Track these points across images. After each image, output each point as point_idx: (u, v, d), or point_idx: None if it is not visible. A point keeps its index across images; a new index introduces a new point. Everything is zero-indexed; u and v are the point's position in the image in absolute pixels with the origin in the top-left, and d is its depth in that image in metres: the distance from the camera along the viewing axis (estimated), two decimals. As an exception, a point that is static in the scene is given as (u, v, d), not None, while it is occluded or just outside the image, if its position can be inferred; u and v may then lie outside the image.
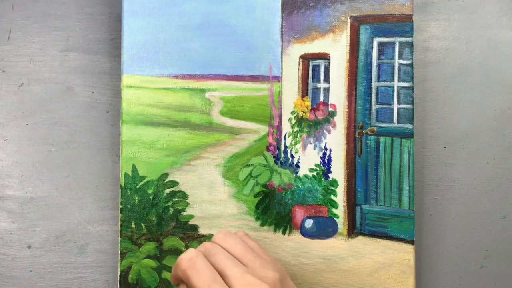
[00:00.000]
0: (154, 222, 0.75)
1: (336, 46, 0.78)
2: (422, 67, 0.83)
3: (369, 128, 0.78)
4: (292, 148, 0.78)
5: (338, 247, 0.77)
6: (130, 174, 0.75)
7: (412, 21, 0.77)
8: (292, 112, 0.78)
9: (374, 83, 0.78)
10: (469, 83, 0.84)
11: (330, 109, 0.78)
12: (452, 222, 0.83)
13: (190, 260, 0.58)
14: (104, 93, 0.81)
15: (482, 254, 0.83)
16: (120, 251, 0.75)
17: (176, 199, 0.76)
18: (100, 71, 0.81)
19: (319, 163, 0.78)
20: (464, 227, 0.83)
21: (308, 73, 0.78)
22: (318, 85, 0.78)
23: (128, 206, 0.75)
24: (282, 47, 0.78)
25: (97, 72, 0.81)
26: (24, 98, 0.80)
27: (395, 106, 0.78)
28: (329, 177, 0.78)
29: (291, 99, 0.78)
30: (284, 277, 0.60)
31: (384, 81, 0.78)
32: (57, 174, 0.80)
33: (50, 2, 0.81)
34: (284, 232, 0.77)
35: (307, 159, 0.78)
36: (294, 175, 0.77)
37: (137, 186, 0.75)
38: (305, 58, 0.78)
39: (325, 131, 0.78)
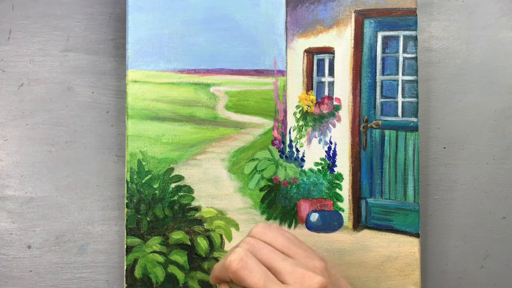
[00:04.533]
0: (160, 216, 0.79)
1: (340, 40, 0.81)
2: (422, 67, 0.86)
3: (374, 121, 0.81)
4: (297, 142, 0.81)
5: (344, 240, 0.80)
6: (136, 169, 0.78)
7: (416, 15, 0.81)
8: (297, 106, 0.81)
9: (379, 77, 0.81)
10: (469, 83, 0.87)
11: (335, 103, 0.81)
12: (452, 222, 0.86)
13: (241, 261, 0.58)
14: (104, 93, 0.84)
15: (482, 254, 0.86)
16: (126, 246, 0.78)
17: (182, 193, 0.79)
18: (100, 71, 0.84)
19: (324, 157, 0.81)
20: (464, 227, 0.86)
21: (312, 67, 0.81)
22: (323, 79, 0.81)
23: (134, 200, 0.78)
24: (286, 41, 0.81)
25: (97, 72, 0.84)
26: (24, 98, 0.83)
27: (400, 99, 0.81)
28: (334, 171, 0.81)
29: (296, 93, 0.81)
30: (327, 264, 0.62)
31: (388, 74, 0.81)
32: (57, 174, 0.83)
33: (50, 2, 0.84)
34: (289, 226, 0.80)
35: (312, 153, 0.81)
36: (299, 169, 0.81)
37: (143, 181, 0.78)
38: (310, 52, 0.81)
39: (330, 125, 0.81)
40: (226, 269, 0.60)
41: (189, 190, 0.79)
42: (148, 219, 0.79)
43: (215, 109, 0.80)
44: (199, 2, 0.80)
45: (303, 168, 0.81)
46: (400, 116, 0.81)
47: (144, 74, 0.79)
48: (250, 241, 0.62)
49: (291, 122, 0.81)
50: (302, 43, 0.81)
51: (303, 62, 0.82)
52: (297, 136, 0.81)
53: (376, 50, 0.82)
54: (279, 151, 0.81)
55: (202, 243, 0.79)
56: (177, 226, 0.79)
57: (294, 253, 0.61)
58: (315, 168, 0.81)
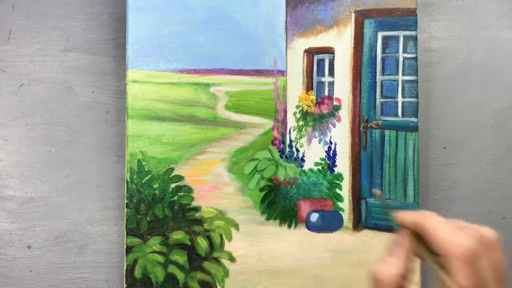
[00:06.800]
0: (160, 216, 0.78)
1: (340, 40, 0.81)
2: (422, 67, 0.86)
3: (374, 121, 0.81)
4: (297, 142, 0.81)
5: (344, 240, 0.80)
6: (136, 169, 0.78)
7: (416, 15, 0.81)
8: (297, 106, 0.81)
9: (379, 77, 0.81)
10: (469, 83, 0.87)
11: (335, 103, 0.81)
12: (452, 222, 0.87)
13: (469, 254, 0.53)
14: (104, 93, 0.84)
15: (482, 254, 0.87)
16: (126, 246, 0.78)
17: (182, 193, 0.79)
18: (100, 71, 0.84)
19: (324, 157, 0.81)
20: (465, 227, 0.87)
21: (312, 67, 0.81)
22: (323, 79, 0.81)
23: (134, 200, 0.78)
24: (286, 41, 0.81)
25: (97, 72, 0.84)
26: (24, 98, 0.83)
27: (400, 99, 0.81)
28: (334, 171, 0.81)
29: (296, 93, 0.81)
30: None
31: (388, 74, 0.81)
32: (57, 174, 0.83)
33: (50, 2, 0.84)
34: (289, 226, 0.80)
35: (312, 153, 0.81)
36: (299, 169, 0.81)
37: (143, 181, 0.78)
38: (310, 52, 0.81)
39: (330, 125, 0.81)
40: (448, 244, 0.54)
41: (189, 190, 0.79)
42: (148, 219, 0.79)
43: (215, 109, 0.80)
44: (199, 2, 0.80)
45: (303, 168, 0.81)
46: (400, 116, 0.81)
47: (144, 74, 0.79)
48: (484, 241, 0.56)
49: (291, 122, 0.81)
50: (302, 43, 0.81)
51: (303, 62, 0.82)
52: (297, 136, 0.81)
53: (376, 50, 0.82)
54: (279, 151, 0.81)
55: (202, 243, 0.79)
56: (177, 226, 0.79)
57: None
58: (315, 168, 0.81)
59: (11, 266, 0.82)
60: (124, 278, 0.78)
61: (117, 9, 0.85)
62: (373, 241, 0.81)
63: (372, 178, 0.81)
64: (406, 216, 0.58)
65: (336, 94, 0.81)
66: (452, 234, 0.55)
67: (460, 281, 0.53)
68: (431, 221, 0.56)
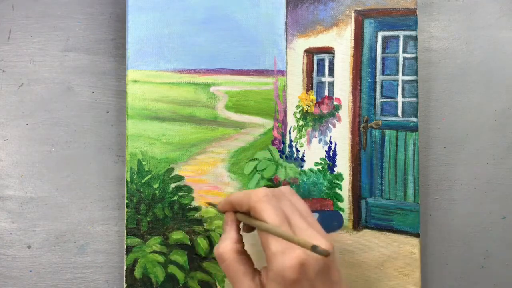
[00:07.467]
0: (160, 216, 0.78)
1: (340, 40, 0.81)
2: (422, 67, 0.86)
3: (374, 121, 0.81)
4: (297, 142, 0.81)
5: (344, 240, 0.80)
6: (136, 169, 0.78)
7: (416, 15, 0.81)
8: (297, 106, 0.81)
9: (379, 77, 0.81)
10: (469, 83, 0.87)
11: (335, 103, 0.81)
12: (452, 222, 0.87)
13: (266, 196, 0.62)
14: (104, 93, 0.84)
15: (482, 254, 0.87)
16: (126, 246, 0.78)
17: (182, 193, 0.79)
18: (100, 71, 0.84)
19: (324, 157, 0.81)
20: (464, 227, 0.87)
21: (312, 67, 0.81)
22: (323, 79, 0.81)
23: (134, 200, 0.78)
24: (286, 41, 0.81)
25: (97, 72, 0.84)
26: (24, 98, 0.83)
27: (400, 99, 0.81)
28: (334, 171, 0.81)
29: (296, 93, 0.81)
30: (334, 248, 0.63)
31: (388, 74, 0.81)
32: (57, 174, 0.83)
33: (50, 2, 0.84)
34: None
35: (312, 153, 0.81)
36: (299, 169, 0.80)
37: (143, 181, 0.78)
38: (310, 52, 0.81)
39: (330, 125, 0.81)
40: (248, 198, 0.64)
41: (189, 190, 0.79)
42: (148, 219, 0.78)
43: (215, 109, 0.80)
44: (199, 2, 0.80)
45: (303, 168, 0.81)
46: (400, 116, 0.81)
47: (144, 74, 0.79)
48: (277, 191, 0.66)
49: (291, 122, 0.81)
50: (302, 43, 0.81)
51: (303, 62, 0.81)
52: (297, 136, 0.81)
53: (376, 50, 0.82)
54: (279, 151, 0.81)
55: (202, 243, 0.79)
56: (177, 226, 0.79)
57: (310, 221, 0.64)
58: (315, 168, 0.81)
59: (11, 266, 0.82)
60: (124, 278, 0.78)
61: (117, 9, 0.85)
62: (373, 241, 0.81)
63: (372, 178, 0.81)
64: (220, 203, 0.70)
65: (336, 94, 0.81)
66: (247, 191, 0.66)
67: (268, 217, 0.61)
68: (231, 196, 0.68)
